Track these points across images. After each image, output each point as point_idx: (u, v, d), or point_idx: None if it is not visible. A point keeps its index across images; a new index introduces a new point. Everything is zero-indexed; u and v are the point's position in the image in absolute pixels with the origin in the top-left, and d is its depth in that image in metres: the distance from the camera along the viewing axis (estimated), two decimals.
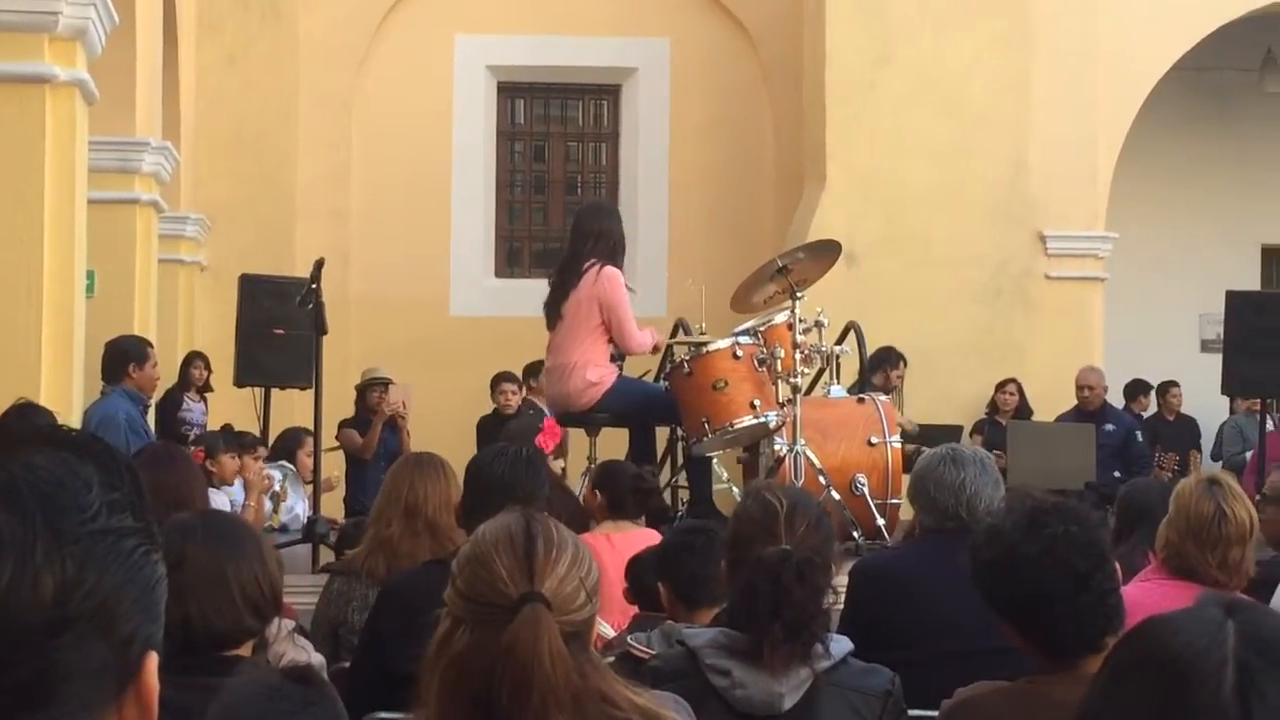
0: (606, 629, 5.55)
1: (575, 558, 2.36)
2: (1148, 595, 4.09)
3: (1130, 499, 5.83)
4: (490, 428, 11.17)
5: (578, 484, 8.52)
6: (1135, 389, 14.43)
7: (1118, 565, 3.25)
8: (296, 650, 3.65)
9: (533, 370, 11.71)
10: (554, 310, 8.57)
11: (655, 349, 8.99)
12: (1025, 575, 3.13)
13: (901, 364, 11.62)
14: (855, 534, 7.99)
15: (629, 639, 4.23)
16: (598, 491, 6.29)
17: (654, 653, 3.90)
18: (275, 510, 9.19)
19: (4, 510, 1.19)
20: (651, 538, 5.78)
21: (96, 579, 1.21)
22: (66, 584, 1.20)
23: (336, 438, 11.17)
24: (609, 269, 8.50)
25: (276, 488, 9.26)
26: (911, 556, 4.58)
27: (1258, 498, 10.37)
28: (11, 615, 1.18)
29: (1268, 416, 12.74)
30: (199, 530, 3.29)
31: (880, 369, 11.11)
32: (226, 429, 10.20)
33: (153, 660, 1.27)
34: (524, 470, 4.43)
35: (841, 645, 3.42)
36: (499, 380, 11.79)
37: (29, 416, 5.62)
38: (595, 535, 6.15)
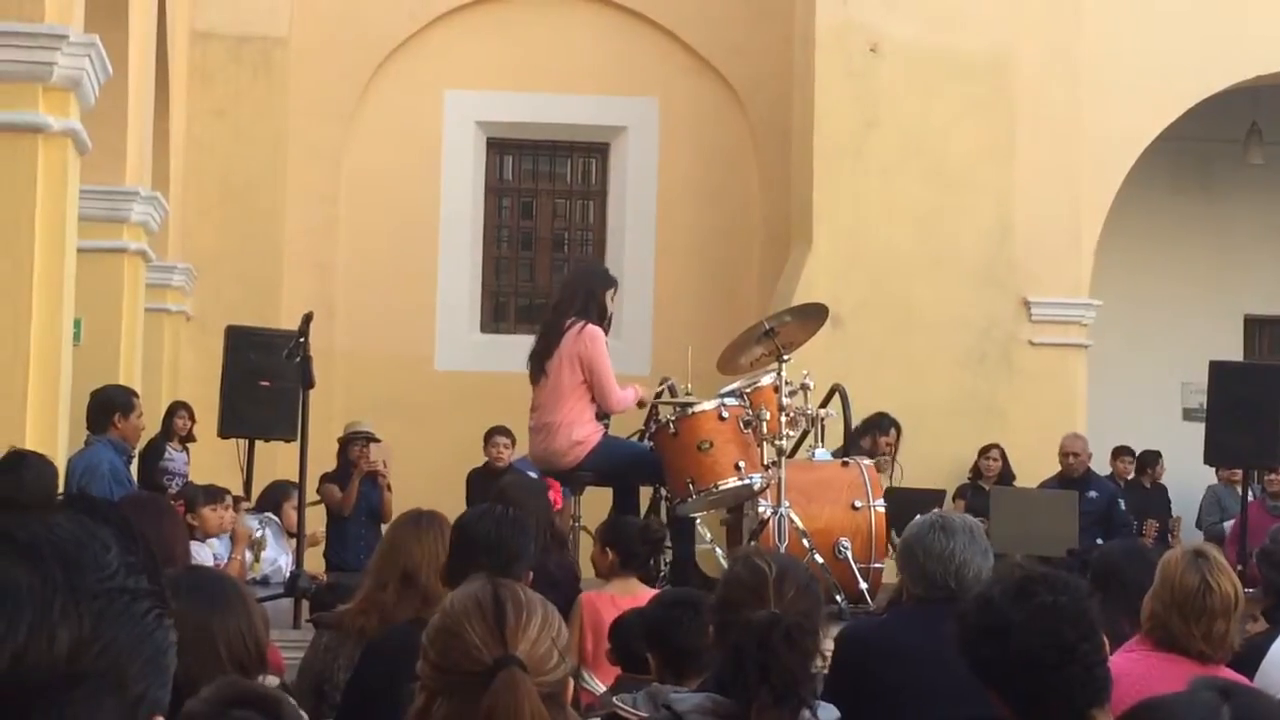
0: (598, 685, 5.53)
1: (545, 619, 2.38)
2: (1133, 667, 4.09)
3: (1097, 561, 5.82)
4: (481, 482, 11.12)
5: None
6: (1119, 453, 14.38)
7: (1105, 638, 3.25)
8: None
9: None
10: (538, 365, 8.58)
11: (641, 404, 8.99)
12: (1012, 643, 3.13)
13: (893, 431, 11.58)
14: (838, 598, 7.98)
15: (615, 700, 4.22)
16: (608, 549, 6.29)
17: (641, 715, 3.90)
18: (256, 559, 9.15)
19: (24, 567, 1.21)
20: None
21: (111, 637, 1.23)
22: (82, 640, 1.21)
23: (317, 491, 11.13)
24: (591, 327, 8.53)
25: (256, 535, 9.23)
26: (899, 623, 4.58)
27: (1239, 568, 10.38)
28: (28, 670, 1.18)
29: (1245, 486, 12.78)
30: (184, 586, 3.27)
31: (870, 433, 11.10)
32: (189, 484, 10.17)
33: None
34: (510, 530, 4.42)
35: (828, 713, 3.41)
36: (492, 434, 11.74)
37: (30, 464, 5.62)
38: (600, 596, 6.13)
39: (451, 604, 2.42)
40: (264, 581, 8.89)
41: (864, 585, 8.22)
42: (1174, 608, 4.21)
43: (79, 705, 1.20)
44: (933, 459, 12.45)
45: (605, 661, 5.72)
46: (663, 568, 8.82)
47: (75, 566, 1.23)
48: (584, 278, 8.99)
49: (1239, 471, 13.07)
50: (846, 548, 8.36)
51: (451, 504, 7.20)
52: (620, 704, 4.10)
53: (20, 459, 5.79)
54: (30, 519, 1.24)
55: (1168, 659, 4.12)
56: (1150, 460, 14.56)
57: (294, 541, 8.59)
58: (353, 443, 11.45)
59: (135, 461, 9.82)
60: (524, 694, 2.25)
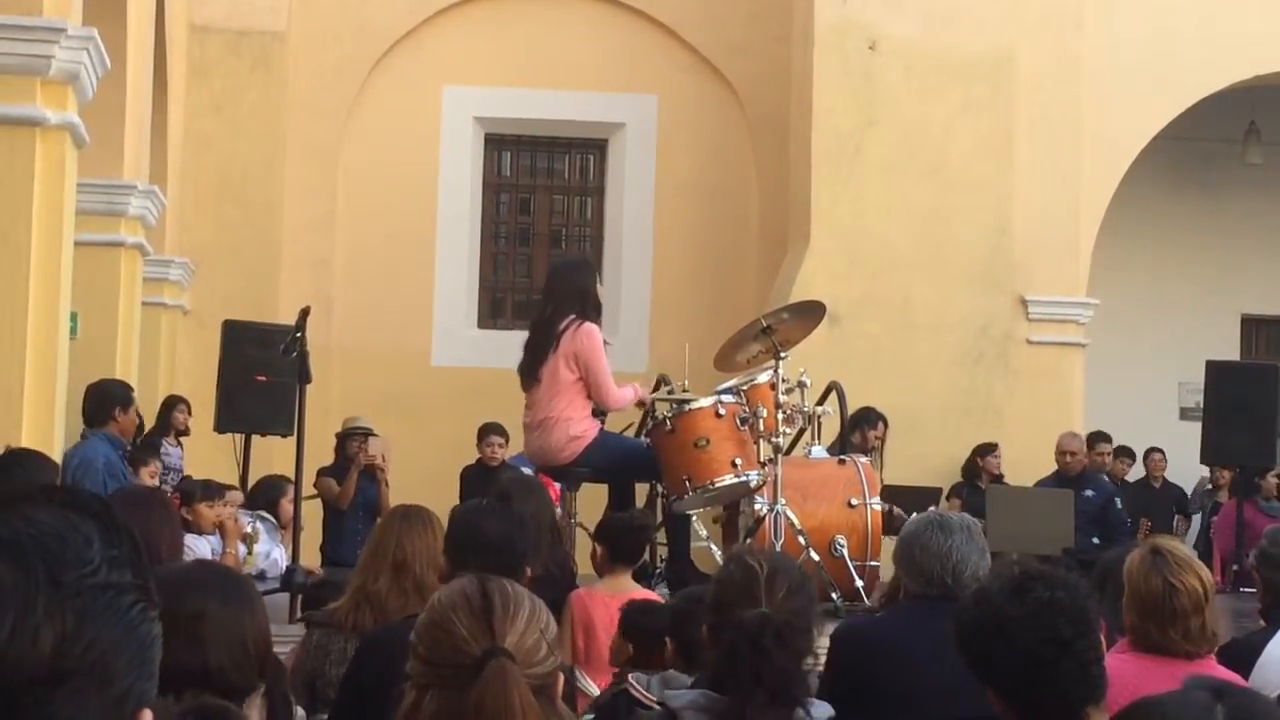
0: (591, 687, 5.52)
1: (533, 612, 2.40)
2: (1123, 667, 4.07)
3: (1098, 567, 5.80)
4: (474, 479, 11.10)
5: None
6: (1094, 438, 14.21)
7: (1103, 636, 3.24)
8: None
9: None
10: (530, 374, 8.48)
11: (640, 404, 8.96)
12: (1009, 638, 3.13)
13: (881, 425, 11.60)
14: (834, 595, 7.98)
15: (630, 679, 4.25)
16: (597, 545, 6.31)
17: (650, 697, 3.93)
18: (250, 553, 9.14)
19: (7, 564, 1.20)
20: (644, 595, 5.79)
21: (95, 633, 1.22)
22: (66, 637, 1.20)
23: (314, 485, 11.12)
24: (587, 325, 8.44)
25: (247, 529, 9.22)
26: (895, 621, 4.57)
27: (1235, 567, 10.37)
28: (11, 668, 1.18)
29: (1225, 489, 12.79)
30: (217, 584, 3.26)
31: (858, 429, 11.10)
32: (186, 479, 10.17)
33: (146, 717, 1.27)
34: (515, 528, 4.41)
35: (822, 710, 3.41)
36: (486, 432, 11.70)
37: (27, 462, 5.60)
38: (590, 593, 6.12)
39: (439, 599, 2.44)
40: (260, 576, 8.88)
41: (859, 583, 8.23)
42: (1149, 617, 4.19)
43: (64, 703, 1.20)
44: (929, 457, 12.46)
45: (597, 660, 5.72)
46: (658, 564, 8.82)
47: (58, 562, 1.22)
48: (571, 275, 8.82)
49: (1225, 474, 13.11)
50: (842, 545, 8.37)
51: (447, 499, 7.20)
52: (634, 683, 4.13)
53: (17, 458, 5.77)
54: (12, 514, 1.23)
55: (1157, 660, 4.11)
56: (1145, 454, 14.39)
57: (288, 536, 8.58)
58: (351, 437, 11.42)
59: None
60: (513, 683, 2.26)
